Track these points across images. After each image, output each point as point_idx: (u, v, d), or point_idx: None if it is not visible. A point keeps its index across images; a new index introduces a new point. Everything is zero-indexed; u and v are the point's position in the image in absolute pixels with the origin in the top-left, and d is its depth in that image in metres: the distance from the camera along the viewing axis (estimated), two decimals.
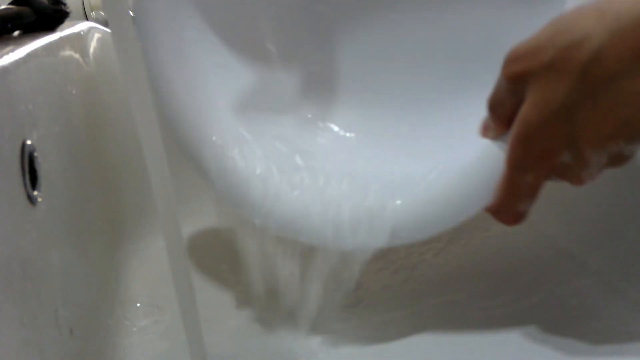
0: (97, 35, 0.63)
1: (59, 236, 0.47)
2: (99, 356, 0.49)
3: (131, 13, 0.45)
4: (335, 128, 0.60)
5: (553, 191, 0.48)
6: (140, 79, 0.39)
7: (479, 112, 0.45)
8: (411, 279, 0.60)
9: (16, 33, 0.51)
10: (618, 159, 0.39)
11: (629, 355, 0.46)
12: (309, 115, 0.59)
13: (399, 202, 0.48)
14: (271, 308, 0.54)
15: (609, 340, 0.48)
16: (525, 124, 0.39)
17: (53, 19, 0.53)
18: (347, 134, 0.59)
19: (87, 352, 0.47)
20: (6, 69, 0.43)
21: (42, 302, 0.42)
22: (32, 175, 0.43)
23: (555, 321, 0.51)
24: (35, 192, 0.44)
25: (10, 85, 0.43)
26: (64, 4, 0.55)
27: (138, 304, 0.60)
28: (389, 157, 0.56)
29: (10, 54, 0.44)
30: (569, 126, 0.38)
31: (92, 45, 0.61)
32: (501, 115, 0.43)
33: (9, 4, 0.52)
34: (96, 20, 1.21)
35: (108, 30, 0.64)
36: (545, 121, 0.39)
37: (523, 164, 0.41)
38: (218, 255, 0.66)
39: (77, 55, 0.57)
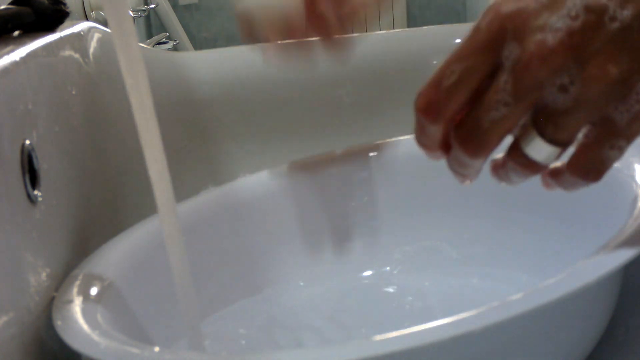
0: (97, 35, 0.63)
1: (59, 236, 0.47)
2: None
3: (131, 13, 0.45)
4: None
5: None
6: (140, 79, 0.39)
7: None
8: None
9: (16, 33, 0.51)
10: (604, 125, 0.33)
11: None
12: None
13: None
14: None
15: None
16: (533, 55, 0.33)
17: (53, 19, 0.53)
18: None
19: None
20: (6, 69, 0.43)
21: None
22: (32, 174, 0.44)
23: None
24: (36, 192, 0.44)
25: (10, 85, 0.43)
26: (64, 4, 0.55)
27: None
28: None
29: (11, 54, 0.44)
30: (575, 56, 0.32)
31: (92, 45, 0.61)
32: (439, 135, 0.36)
33: (9, 4, 0.52)
34: (96, 20, 1.22)
35: (108, 30, 0.64)
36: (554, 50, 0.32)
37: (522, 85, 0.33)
38: None
39: (77, 55, 0.57)
